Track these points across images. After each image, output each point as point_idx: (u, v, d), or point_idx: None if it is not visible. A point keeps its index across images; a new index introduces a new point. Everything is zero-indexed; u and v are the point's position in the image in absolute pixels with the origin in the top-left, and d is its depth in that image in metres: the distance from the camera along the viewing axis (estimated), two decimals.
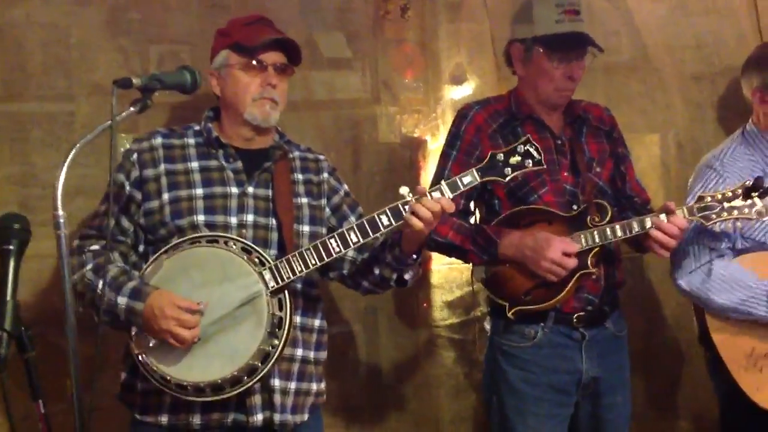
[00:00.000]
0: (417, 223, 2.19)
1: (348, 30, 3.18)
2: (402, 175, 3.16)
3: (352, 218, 2.49)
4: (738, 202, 2.47)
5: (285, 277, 2.22)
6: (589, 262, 2.53)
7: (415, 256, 2.35)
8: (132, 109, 2.08)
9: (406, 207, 2.21)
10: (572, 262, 2.49)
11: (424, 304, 3.23)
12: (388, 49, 3.22)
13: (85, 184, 2.75)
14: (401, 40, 3.23)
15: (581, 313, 2.62)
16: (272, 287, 2.22)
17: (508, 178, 2.26)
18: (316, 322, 2.43)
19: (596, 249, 2.54)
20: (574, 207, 2.63)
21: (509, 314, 2.59)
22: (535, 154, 2.26)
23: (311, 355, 2.40)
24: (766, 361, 2.62)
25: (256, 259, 2.24)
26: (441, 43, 3.26)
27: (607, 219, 2.56)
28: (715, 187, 2.68)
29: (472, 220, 2.76)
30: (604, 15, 3.42)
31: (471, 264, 2.72)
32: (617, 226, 2.52)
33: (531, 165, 2.26)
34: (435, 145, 3.19)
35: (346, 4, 3.16)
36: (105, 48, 2.94)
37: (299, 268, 2.23)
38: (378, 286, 2.48)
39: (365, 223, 2.24)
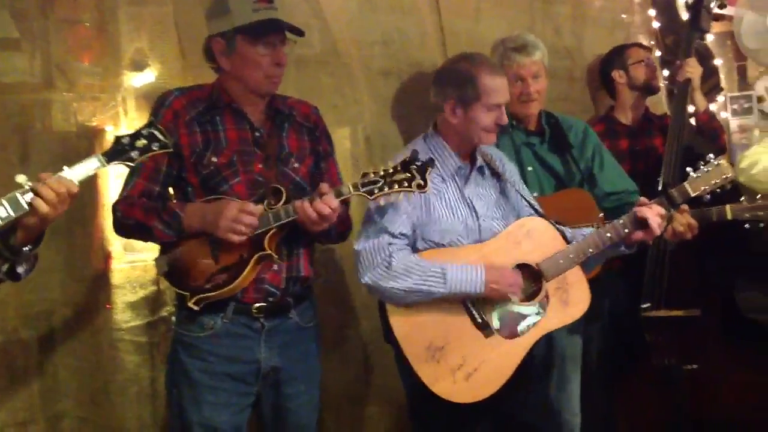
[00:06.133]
0: (42, 206, 2.05)
1: (14, 8, 2.90)
2: None
3: None
4: (399, 176, 2.54)
5: None
6: (266, 244, 2.55)
7: (30, 247, 2.18)
8: None
9: (25, 196, 2.07)
10: (250, 219, 2.50)
11: (107, 306, 3.03)
12: (62, 30, 2.96)
13: None
14: (76, 22, 3.00)
15: (262, 304, 2.65)
16: None
17: (136, 162, 2.22)
18: None
19: (272, 231, 2.55)
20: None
21: (191, 303, 2.56)
22: (160, 137, 2.23)
23: None
24: (443, 353, 2.71)
25: None
26: (121, 26, 3.07)
27: (282, 202, 2.57)
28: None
29: None
30: (295, 7, 3.40)
31: (158, 249, 2.64)
32: (281, 209, 2.54)
33: (158, 149, 2.23)
34: (116, 134, 2.98)
35: None
36: None
37: None
38: None
39: None
